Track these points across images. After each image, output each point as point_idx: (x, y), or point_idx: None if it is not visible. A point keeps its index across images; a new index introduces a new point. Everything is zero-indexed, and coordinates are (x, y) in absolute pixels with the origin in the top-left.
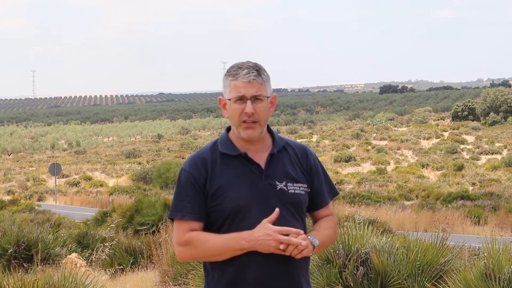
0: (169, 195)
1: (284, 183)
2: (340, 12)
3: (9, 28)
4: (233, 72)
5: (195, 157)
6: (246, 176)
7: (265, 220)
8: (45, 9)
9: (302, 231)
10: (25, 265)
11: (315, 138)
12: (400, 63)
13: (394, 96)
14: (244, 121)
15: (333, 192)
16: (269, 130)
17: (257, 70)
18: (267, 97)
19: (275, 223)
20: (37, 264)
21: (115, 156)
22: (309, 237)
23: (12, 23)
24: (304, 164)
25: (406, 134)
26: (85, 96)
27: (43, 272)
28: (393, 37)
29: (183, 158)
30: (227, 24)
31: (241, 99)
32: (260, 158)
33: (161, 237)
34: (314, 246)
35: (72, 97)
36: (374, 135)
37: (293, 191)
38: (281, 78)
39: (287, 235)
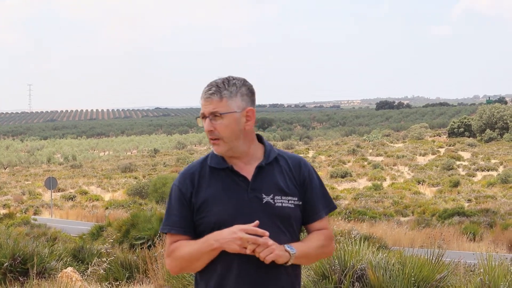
0: (165, 210)
1: (271, 196)
2: (337, 29)
3: (6, 42)
4: (203, 90)
5: (184, 172)
6: (232, 189)
7: (238, 226)
8: (42, 24)
9: (267, 233)
10: (20, 279)
11: (311, 153)
12: (396, 79)
13: (390, 112)
14: (210, 138)
15: (330, 206)
16: (262, 142)
17: (218, 87)
18: (231, 112)
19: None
20: (33, 278)
21: (111, 171)
22: (285, 245)
23: (9, 37)
24: (297, 176)
25: (402, 150)
26: (81, 110)
27: (38, 286)
28: (390, 53)
29: (179, 173)
30: (224, 40)
31: (203, 117)
32: (248, 171)
33: (157, 251)
34: (290, 254)
35: (69, 111)
36: (370, 151)
37: (280, 204)
38: (278, 94)
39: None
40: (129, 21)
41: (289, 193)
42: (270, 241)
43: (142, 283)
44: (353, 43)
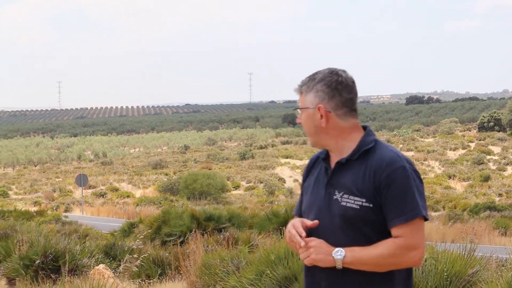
0: (196, 206)
1: (341, 194)
2: (365, 23)
3: (35, 39)
4: None
5: (311, 157)
6: (319, 182)
7: (294, 219)
8: (71, 20)
9: (316, 222)
10: (52, 276)
11: None
12: (426, 74)
13: (420, 107)
14: None
15: (407, 215)
16: (365, 136)
17: (302, 81)
18: (306, 108)
19: (321, 233)
20: (65, 275)
21: (141, 167)
22: (336, 249)
23: (39, 34)
24: (374, 178)
25: (432, 145)
26: (111, 107)
27: (71, 283)
28: (419, 48)
29: (210, 169)
30: (254, 35)
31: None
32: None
33: (189, 248)
34: (334, 259)
35: (98, 108)
36: (401, 146)
37: (345, 203)
38: None
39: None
40: (160, 16)
41: (356, 193)
42: (313, 243)
43: (174, 280)
44: (383, 38)
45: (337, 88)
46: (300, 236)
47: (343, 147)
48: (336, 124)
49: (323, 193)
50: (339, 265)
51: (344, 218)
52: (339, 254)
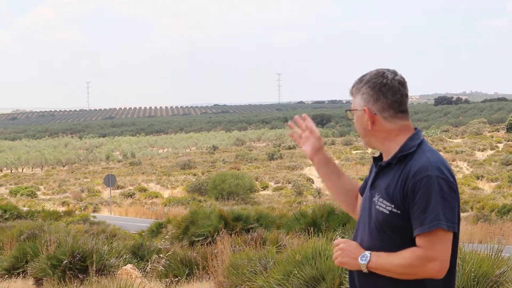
0: (224, 206)
1: (378, 197)
2: (394, 23)
3: (64, 40)
4: None
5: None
6: (369, 182)
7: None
8: (99, 21)
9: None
10: (80, 276)
11: (370, 150)
12: (454, 75)
13: (449, 108)
14: None
15: (425, 226)
16: (408, 139)
17: (354, 83)
18: (355, 110)
19: (362, 233)
20: (92, 275)
21: (170, 168)
22: (363, 253)
23: (67, 35)
24: (405, 184)
25: (461, 146)
26: (140, 108)
27: (98, 283)
28: (448, 48)
29: (238, 170)
30: (283, 35)
31: None
32: None
33: (217, 248)
34: (360, 263)
35: (127, 108)
36: None
37: (378, 207)
38: (335, 90)
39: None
40: (187, 17)
41: (388, 198)
42: (342, 245)
43: (202, 280)
44: (411, 37)
45: (381, 90)
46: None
47: (390, 149)
48: (382, 127)
49: (368, 194)
50: (364, 269)
51: (378, 222)
52: (364, 259)
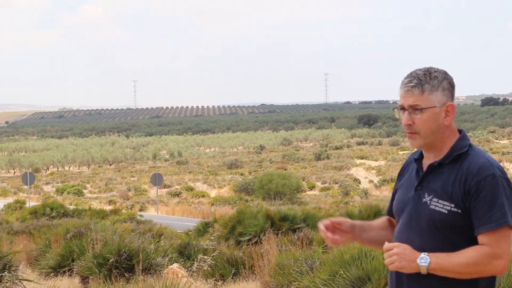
0: (270, 206)
1: (431, 197)
2: (442, 23)
3: (111, 38)
4: (402, 80)
5: (408, 156)
6: (410, 183)
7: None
8: (146, 20)
9: (390, 247)
10: (126, 275)
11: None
12: (501, 75)
13: (495, 109)
14: (406, 131)
15: (493, 223)
16: (459, 139)
17: (420, 79)
18: (431, 107)
19: (410, 235)
20: (138, 274)
21: (217, 167)
22: (421, 255)
23: (114, 33)
24: (465, 183)
25: (507, 147)
26: (187, 107)
27: (144, 282)
28: (494, 49)
29: (285, 169)
30: (330, 35)
31: (402, 108)
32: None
33: (263, 248)
34: (419, 266)
35: (174, 107)
36: None
37: (433, 207)
38: (383, 90)
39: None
40: (234, 16)
41: (445, 197)
42: (396, 249)
43: (248, 280)
44: (457, 38)
45: (454, 87)
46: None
47: (441, 148)
48: (450, 124)
49: (412, 195)
50: (423, 271)
51: (432, 222)
52: (424, 261)
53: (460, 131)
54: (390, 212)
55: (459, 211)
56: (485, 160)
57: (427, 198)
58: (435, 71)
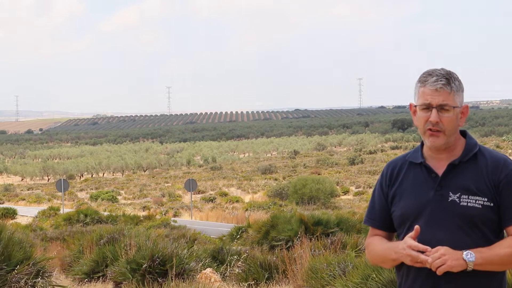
0: (304, 211)
1: (458, 194)
2: (476, 27)
3: (145, 44)
4: (423, 78)
5: (386, 166)
6: (421, 185)
7: (408, 234)
8: (181, 25)
9: (429, 248)
10: (159, 280)
11: None
12: None
13: None
14: (429, 129)
15: None
16: (466, 138)
17: (447, 79)
18: (456, 107)
19: (441, 235)
20: (172, 279)
21: (251, 172)
22: (465, 252)
23: (148, 40)
24: (492, 177)
25: None
26: (221, 113)
27: (177, 287)
28: None
29: (319, 174)
30: (363, 40)
31: (427, 107)
32: (442, 167)
33: (296, 252)
34: (466, 262)
35: (208, 113)
36: (510, 151)
37: (465, 203)
38: (413, 94)
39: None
40: (268, 21)
41: (477, 193)
42: (443, 250)
43: (281, 284)
44: (492, 42)
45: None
46: (423, 252)
47: (456, 148)
48: (463, 125)
49: (431, 196)
50: (470, 267)
51: (465, 219)
52: (471, 257)
53: (461, 132)
54: (383, 222)
55: (492, 204)
56: (502, 155)
57: (454, 197)
58: (452, 73)
